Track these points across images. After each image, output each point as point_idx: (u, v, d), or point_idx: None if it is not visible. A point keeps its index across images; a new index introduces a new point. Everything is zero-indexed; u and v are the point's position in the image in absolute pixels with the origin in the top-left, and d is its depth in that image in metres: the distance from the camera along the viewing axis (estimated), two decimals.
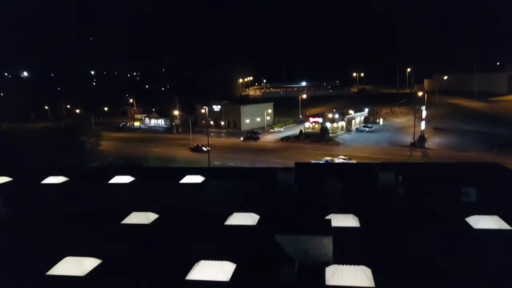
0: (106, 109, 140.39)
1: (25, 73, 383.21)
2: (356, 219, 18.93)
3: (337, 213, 19.27)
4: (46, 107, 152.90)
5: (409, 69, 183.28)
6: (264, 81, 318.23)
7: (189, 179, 28.08)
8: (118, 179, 28.75)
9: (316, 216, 18.79)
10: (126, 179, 28.82)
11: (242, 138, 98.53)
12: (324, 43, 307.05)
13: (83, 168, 38.55)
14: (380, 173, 24.85)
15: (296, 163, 31.12)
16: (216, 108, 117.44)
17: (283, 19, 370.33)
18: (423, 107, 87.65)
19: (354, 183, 24.81)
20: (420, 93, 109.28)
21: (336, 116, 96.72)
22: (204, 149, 75.43)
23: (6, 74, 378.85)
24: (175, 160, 74.72)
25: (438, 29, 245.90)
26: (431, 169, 29.87)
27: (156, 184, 27.41)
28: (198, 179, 28.06)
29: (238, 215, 19.57)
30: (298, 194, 23.76)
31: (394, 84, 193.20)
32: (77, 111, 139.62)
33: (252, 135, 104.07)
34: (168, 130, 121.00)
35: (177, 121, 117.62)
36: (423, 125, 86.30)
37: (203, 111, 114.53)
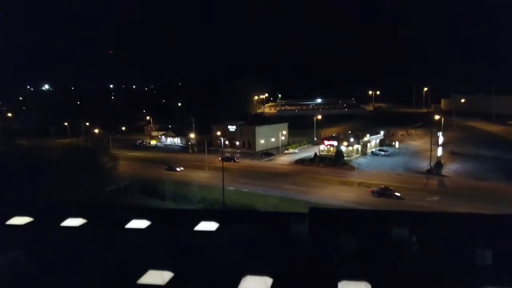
0: (124, 128, 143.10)
1: (46, 86, 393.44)
2: (369, 286, 19.02)
3: (350, 279, 19.37)
4: (66, 124, 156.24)
5: (426, 88, 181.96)
6: (280, 95, 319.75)
7: (203, 226, 28.51)
8: (134, 224, 29.38)
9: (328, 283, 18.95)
10: (143, 223, 29.42)
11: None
12: (340, 59, 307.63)
13: (102, 207, 39.25)
14: (394, 228, 24.82)
15: (310, 209, 31.26)
16: (232, 128, 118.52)
17: (299, 36, 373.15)
18: (440, 133, 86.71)
19: (368, 238, 24.79)
20: (437, 116, 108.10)
21: (351, 139, 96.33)
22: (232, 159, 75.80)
23: (28, 86, 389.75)
24: (191, 185, 75.47)
25: (458, 47, 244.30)
26: (451, 221, 29.53)
27: (171, 232, 27.88)
28: (212, 226, 28.46)
29: (251, 279, 19.84)
30: (311, 249, 23.89)
31: (411, 102, 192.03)
32: (96, 131, 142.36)
33: (267, 156, 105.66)
34: (184, 149, 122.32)
35: (193, 141, 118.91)
36: (439, 151, 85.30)
37: (218, 133, 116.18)
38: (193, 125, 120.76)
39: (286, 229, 25.92)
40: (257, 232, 27.20)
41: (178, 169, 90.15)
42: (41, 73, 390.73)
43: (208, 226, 28.52)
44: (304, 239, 24.89)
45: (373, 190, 67.28)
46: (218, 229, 28.16)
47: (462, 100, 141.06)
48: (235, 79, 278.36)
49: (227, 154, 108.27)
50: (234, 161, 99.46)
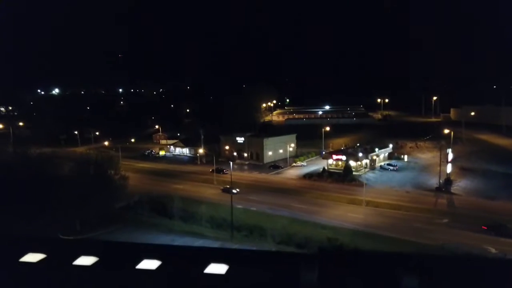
0: (133, 140, 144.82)
1: (56, 90, 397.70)
2: None
3: None
4: (76, 132, 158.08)
5: (435, 98, 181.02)
6: (287, 100, 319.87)
7: (213, 268, 28.89)
8: (146, 264, 29.87)
9: None
10: (153, 264, 29.91)
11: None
12: (348, 65, 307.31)
13: (114, 243, 39.50)
14: (404, 279, 24.91)
15: (320, 250, 31.41)
16: (240, 140, 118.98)
17: (308, 42, 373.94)
18: (449, 150, 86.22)
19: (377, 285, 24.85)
20: (446, 130, 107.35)
21: (360, 154, 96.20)
22: (234, 191, 75.97)
23: (38, 90, 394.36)
24: (200, 202, 75.99)
25: (469, 58, 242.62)
26: (463, 268, 29.34)
27: (181, 274, 28.26)
28: (222, 269, 28.83)
29: None
30: None
31: (420, 111, 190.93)
32: (106, 143, 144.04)
33: (275, 168, 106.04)
34: (192, 159, 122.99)
35: (201, 152, 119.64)
36: (449, 168, 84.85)
37: (227, 147, 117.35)
38: (202, 137, 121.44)
39: (296, 271, 26.19)
40: (265, 276, 27.50)
41: (234, 191, 78.99)
42: (51, 76, 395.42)
43: (218, 269, 28.90)
44: (313, 285, 25.11)
45: (487, 227, 57.76)
46: (227, 272, 28.50)
47: (472, 113, 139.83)
48: (244, 85, 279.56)
49: (235, 166, 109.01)
50: (223, 173, 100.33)
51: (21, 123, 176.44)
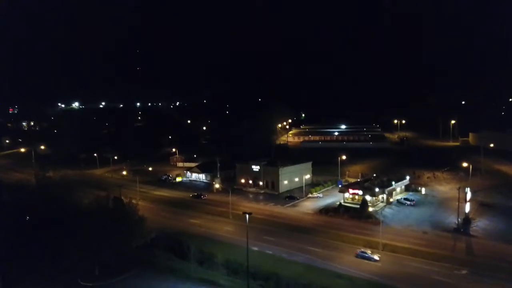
0: (150, 168, 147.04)
1: (76, 103, 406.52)
2: None
3: None
4: (95, 154, 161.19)
5: (453, 121, 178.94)
6: (303, 115, 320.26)
7: None
8: None
9: None
10: None
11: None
12: (366, 84, 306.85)
13: None
14: None
15: None
16: (255, 168, 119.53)
17: (324, 62, 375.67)
18: (468, 189, 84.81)
19: None
20: (465, 164, 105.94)
21: (377, 189, 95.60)
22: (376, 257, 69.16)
23: (59, 104, 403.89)
24: (216, 241, 76.67)
25: (494, 80, 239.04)
26: None
27: None
28: None
29: None
30: None
31: (437, 132, 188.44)
32: (124, 172, 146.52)
33: (291, 199, 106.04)
34: (209, 186, 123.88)
35: (217, 180, 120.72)
36: (467, 207, 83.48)
37: (243, 181, 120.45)
38: (218, 165, 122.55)
39: None
40: None
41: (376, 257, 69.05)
42: (71, 89, 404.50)
43: None
44: None
45: None
46: None
47: (491, 145, 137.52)
48: (260, 105, 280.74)
49: (250, 196, 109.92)
50: (201, 198, 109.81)
51: (42, 147, 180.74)
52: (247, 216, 61.54)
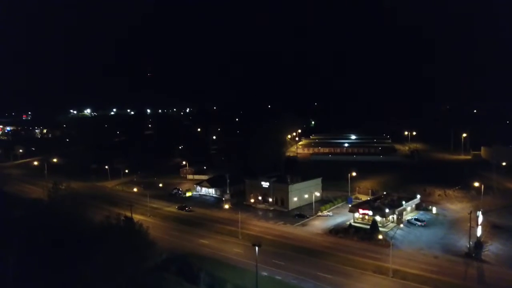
0: (160, 185, 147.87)
1: (88, 110, 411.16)
2: None
3: None
4: (106, 166, 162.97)
5: (465, 134, 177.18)
6: (313, 122, 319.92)
7: None
8: None
9: None
10: None
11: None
12: (376, 94, 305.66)
13: None
14: None
15: None
16: (265, 184, 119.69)
17: (335, 72, 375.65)
18: (479, 212, 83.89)
19: None
20: (476, 184, 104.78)
21: (387, 210, 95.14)
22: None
23: (71, 110, 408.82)
24: (226, 264, 76.96)
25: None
26: None
27: None
28: None
29: None
30: None
31: (448, 145, 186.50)
32: (135, 189, 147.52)
33: (300, 218, 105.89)
34: (218, 201, 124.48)
35: (226, 197, 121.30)
36: (479, 231, 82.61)
37: (252, 200, 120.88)
38: (228, 181, 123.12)
39: None
40: None
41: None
42: (83, 95, 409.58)
43: None
44: None
45: None
46: None
47: (504, 164, 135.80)
48: (270, 113, 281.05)
49: (260, 213, 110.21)
50: (186, 210, 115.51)
51: (54, 159, 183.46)
52: (257, 248, 61.65)
